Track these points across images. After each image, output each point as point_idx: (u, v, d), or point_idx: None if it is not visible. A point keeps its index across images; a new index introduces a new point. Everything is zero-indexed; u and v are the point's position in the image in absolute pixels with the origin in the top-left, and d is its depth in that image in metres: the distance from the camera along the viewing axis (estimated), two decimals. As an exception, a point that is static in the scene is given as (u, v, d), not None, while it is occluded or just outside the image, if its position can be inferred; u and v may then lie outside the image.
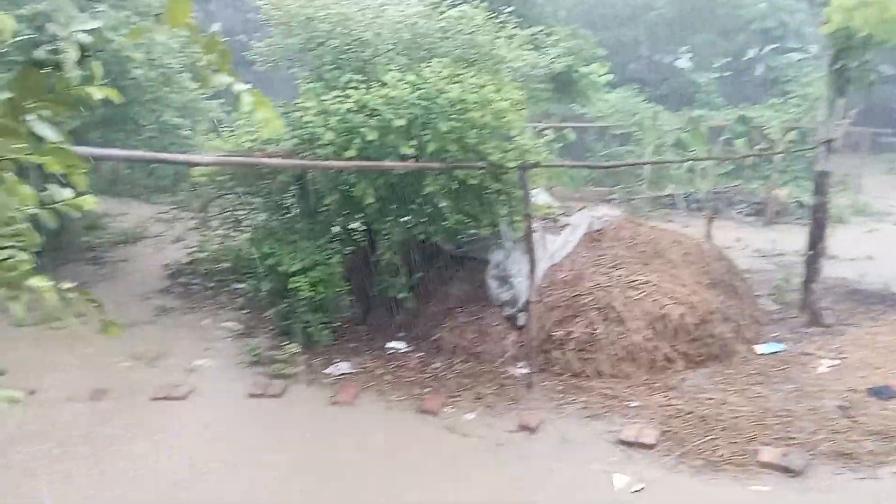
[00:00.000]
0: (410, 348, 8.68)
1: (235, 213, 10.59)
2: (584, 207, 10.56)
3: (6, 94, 2.02)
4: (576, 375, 7.89)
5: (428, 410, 7.02)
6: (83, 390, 7.37)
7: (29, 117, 2.23)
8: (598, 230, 9.84)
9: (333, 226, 8.86)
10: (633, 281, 8.53)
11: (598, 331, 8.06)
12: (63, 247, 12.50)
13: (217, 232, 11.19)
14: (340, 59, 8.36)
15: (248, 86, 2.17)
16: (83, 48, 2.07)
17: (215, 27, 2.20)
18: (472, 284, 9.14)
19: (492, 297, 8.78)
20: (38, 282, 2.41)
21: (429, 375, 7.91)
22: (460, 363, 8.18)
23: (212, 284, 11.50)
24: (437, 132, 7.25)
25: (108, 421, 6.79)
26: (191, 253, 12.59)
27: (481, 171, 7.84)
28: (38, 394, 7.18)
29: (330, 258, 8.43)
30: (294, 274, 8.23)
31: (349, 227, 9.32)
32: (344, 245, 8.86)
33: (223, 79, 2.18)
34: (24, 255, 2.74)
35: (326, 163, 7.35)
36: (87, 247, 13.50)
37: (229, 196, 10.47)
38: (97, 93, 2.17)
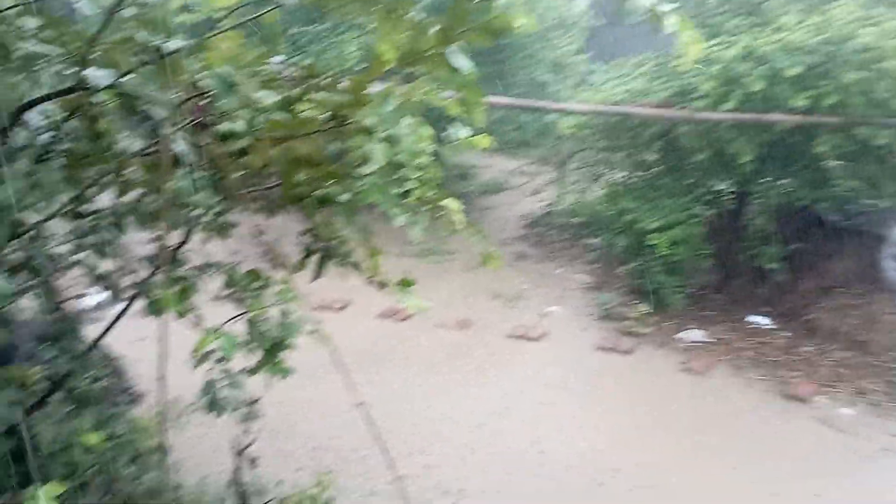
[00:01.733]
0: (775, 325, 7.83)
1: (595, 168, 10.64)
2: None
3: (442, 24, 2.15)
4: None
5: (796, 396, 6.27)
6: (450, 319, 8.16)
7: (448, 49, 2.37)
8: None
9: (698, 185, 8.31)
10: None
11: None
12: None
13: (575, 186, 11.41)
14: (728, 2, 7.63)
15: (673, 5, 1.99)
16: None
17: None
18: (860, 262, 7.84)
19: (887, 279, 7.43)
20: (450, 203, 2.59)
21: (797, 358, 7.05)
22: (838, 350, 7.11)
23: (565, 236, 11.80)
24: (840, 83, 6.23)
25: (469, 349, 7.42)
26: (547, 205, 13.08)
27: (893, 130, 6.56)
28: (413, 318, 8.14)
29: (692, 218, 7.95)
30: (651, 232, 7.96)
31: (715, 187, 8.66)
32: (708, 206, 8.27)
33: (644, 2, 2.04)
34: (433, 188, 2.98)
35: (706, 114, 6.85)
36: (458, 193, 14.88)
37: (590, 151, 10.54)
38: (516, 21, 2.19)
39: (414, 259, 10.45)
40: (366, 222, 2.97)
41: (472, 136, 3.16)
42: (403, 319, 7.99)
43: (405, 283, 2.51)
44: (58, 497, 1.98)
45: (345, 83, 2.40)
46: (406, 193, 2.82)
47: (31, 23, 1.77)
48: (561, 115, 9.83)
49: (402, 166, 2.81)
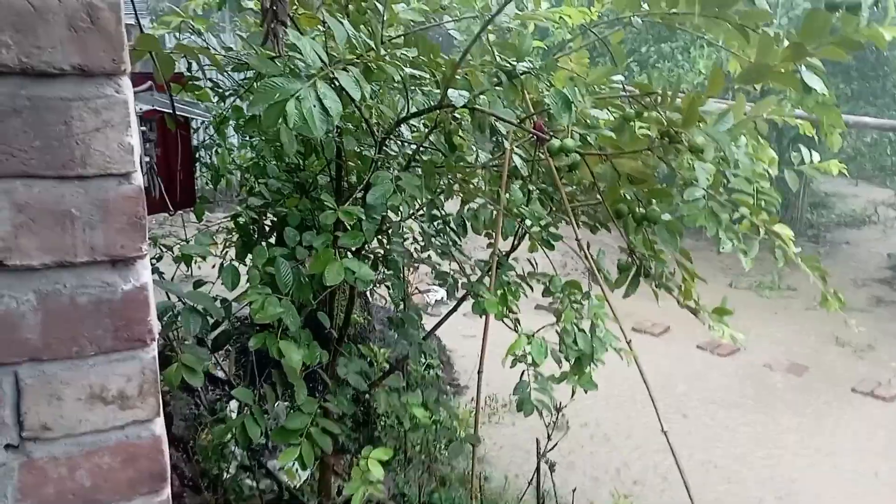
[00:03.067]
0: None
1: None
2: None
3: (792, 39, 2.00)
4: None
5: None
6: (782, 361, 7.39)
7: (801, 66, 2.19)
8: None
9: None
10: None
11: None
12: (784, 220, 12.73)
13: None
14: None
15: None
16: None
17: None
18: None
19: None
20: (781, 229, 2.42)
21: None
22: None
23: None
24: None
25: (803, 398, 6.63)
26: (923, 245, 11.11)
27: None
28: (738, 354, 7.52)
29: None
30: None
31: None
32: None
33: None
34: (763, 214, 2.77)
35: None
36: (809, 224, 13.37)
37: None
38: (887, 34, 1.94)
39: (747, 291, 9.73)
40: (688, 246, 2.88)
41: (823, 161, 2.88)
42: (726, 354, 7.45)
43: (720, 312, 2.39)
44: (385, 462, 2.30)
45: (680, 101, 2.37)
46: (739, 220, 2.68)
47: (411, 52, 2.11)
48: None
49: (736, 190, 2.67)
